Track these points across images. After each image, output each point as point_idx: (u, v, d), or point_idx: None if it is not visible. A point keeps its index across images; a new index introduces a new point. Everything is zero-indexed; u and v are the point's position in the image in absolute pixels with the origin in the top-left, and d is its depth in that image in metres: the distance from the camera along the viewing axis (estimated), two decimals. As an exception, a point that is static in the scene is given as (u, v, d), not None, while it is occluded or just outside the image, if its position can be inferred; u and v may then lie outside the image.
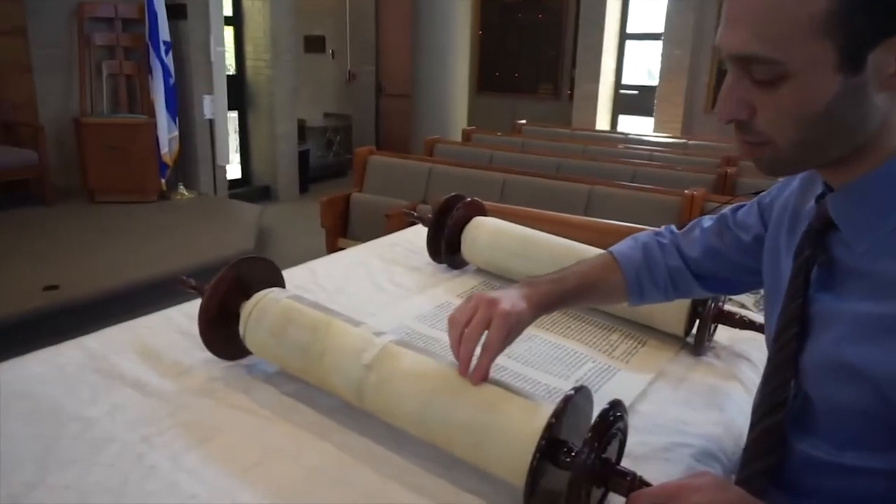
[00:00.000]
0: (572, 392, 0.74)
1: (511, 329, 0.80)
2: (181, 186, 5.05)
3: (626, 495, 0.70)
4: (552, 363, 1.09)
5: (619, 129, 7.34)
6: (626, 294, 0.95)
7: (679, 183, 3.56)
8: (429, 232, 1.46)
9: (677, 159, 4.68)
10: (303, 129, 6.55)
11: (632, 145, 5.34)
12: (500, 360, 1.12)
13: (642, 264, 0.94)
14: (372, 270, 1.45)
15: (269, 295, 0.97)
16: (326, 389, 0.91)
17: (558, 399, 0.74)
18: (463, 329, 0.79)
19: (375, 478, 0.80)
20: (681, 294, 0.98)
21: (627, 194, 3.30)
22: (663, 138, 6.04)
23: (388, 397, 0.82)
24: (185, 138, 5.08)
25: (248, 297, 0.98)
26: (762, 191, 0.87)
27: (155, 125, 4.67)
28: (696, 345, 1.17)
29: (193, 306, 1.07)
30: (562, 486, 0.78)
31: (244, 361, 1.03)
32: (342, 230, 3.85)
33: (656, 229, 0.98)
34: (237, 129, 6.20)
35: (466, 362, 0.78)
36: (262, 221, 4.64)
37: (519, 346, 1.12)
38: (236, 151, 6.20)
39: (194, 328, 0.98)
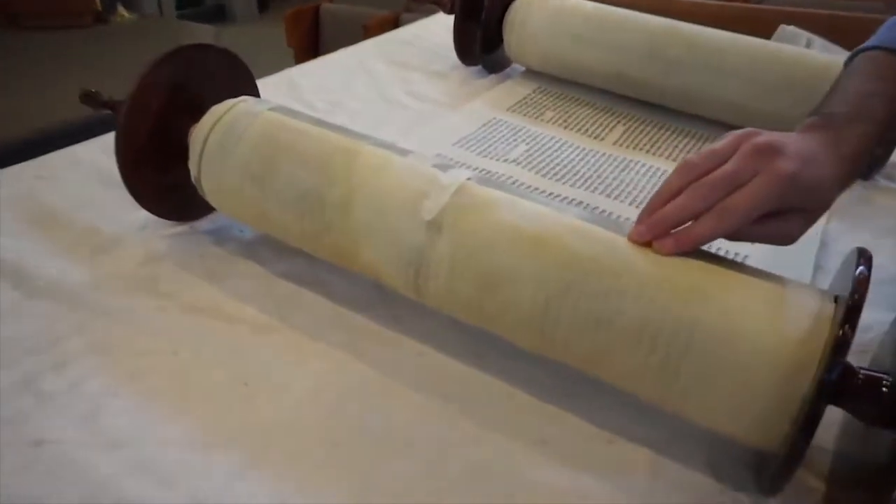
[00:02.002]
0: (864, 270, 0.37)
1: (782, 198, 0.40)
2: (120, 7, 4.29)
3: None
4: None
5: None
6: None
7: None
8: (455, 21, 1.01)
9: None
10: (254, -65, 5.63)
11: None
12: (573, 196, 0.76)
13: None
14: (379, 79, 1.02)
15: (238, 106, 0.55)
16: (353, 267, 0.52)
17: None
18: (697, 178, 0.40)
19: (463, 423, 0.44)
20: None
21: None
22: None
23: (476, 280, 0.44)
24: (115, -53, 4.28)
25: (198, 116, 0.57)
26: None
27: (74, -71, 3.86)
28: (875, 164, 0.80)
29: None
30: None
31: (203, 224, 0.64)
32: (312, 50, 3.32)
33: None
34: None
35: (669, 224, 0.40)
36: (219, 45, 4.01)
37: (611, 175, 0.77)
38: (180, -34, 5.33)
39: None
